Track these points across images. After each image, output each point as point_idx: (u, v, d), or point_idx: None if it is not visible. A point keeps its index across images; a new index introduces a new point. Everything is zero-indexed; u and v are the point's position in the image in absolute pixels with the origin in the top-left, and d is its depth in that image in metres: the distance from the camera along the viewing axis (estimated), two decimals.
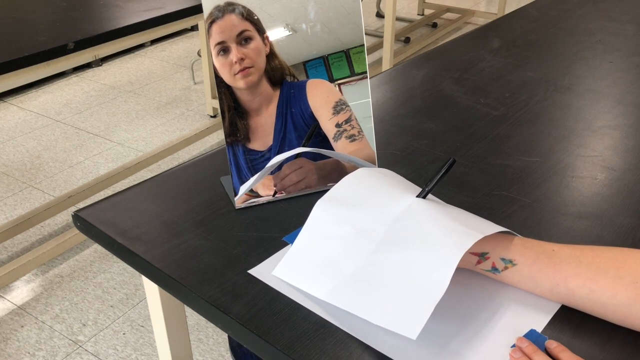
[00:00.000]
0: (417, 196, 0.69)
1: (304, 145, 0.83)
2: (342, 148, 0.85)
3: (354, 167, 0.86)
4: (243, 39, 0.78)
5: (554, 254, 0.64)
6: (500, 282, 0.67)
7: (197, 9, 1.90)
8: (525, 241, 0.66)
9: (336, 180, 0.77)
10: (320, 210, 0.71)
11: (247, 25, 0.78)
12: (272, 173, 0.83)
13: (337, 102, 0.83)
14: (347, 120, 0.84)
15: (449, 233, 0.64)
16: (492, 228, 0.66)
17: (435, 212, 0.67)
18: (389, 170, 0.78)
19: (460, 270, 0.68)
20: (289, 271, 0.70)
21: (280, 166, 0.84)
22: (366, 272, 0.65)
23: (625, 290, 0.59)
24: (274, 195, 0.83)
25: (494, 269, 0.66)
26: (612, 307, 0.60)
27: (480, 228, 0.65)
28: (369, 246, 0.66)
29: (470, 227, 0.64)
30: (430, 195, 0.71)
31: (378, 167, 0.89)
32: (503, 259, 0.65)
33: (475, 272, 0.68)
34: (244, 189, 0.82)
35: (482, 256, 0.66)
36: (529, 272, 0.64)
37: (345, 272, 0.66)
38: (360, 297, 0.64)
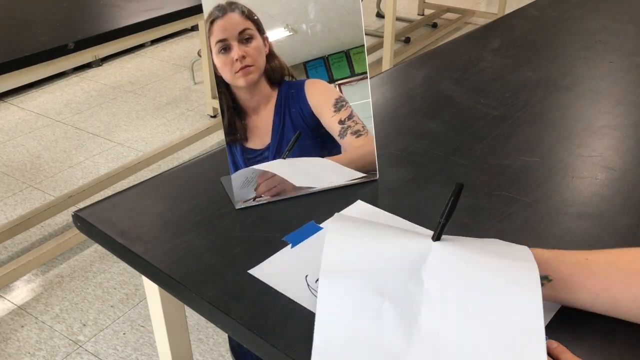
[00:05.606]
0: (433, 239, 0.62)
1: (285, 156, 0.83)
2: (348, 144, 0.85)
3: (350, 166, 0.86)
4: (244, 38, 0.78)
5: (589, 262, 0.62)
6: None
7: (197, 9, 1.90)
8: (556, 254, 0.64)
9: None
10: (327, 290, 0.60)
11: (249, 24, 0.78)
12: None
13: (336, 100, 0.84)
14: (350, 117, 0.84)
15: (502, 274, 0.58)
16: (526, 251, 0.63)
17: (465, 253, 0.60)
18: (359, 218, 0.72)
19: None
20: None
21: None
22: (424, 342, 0.56)
23: None
24: (254, 200, 0.83)
25: None
26: None
27: (521, 255, 0.61)
28: (410, 310, 0.58)
29: (515, 259, 0.60)
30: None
31: (378, 167, 0.88)
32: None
33: None
34: (237, 191, 0.82)
35: None
36: (566, 285, 0.62)
37: (396, 348, 0.57)
38: None
